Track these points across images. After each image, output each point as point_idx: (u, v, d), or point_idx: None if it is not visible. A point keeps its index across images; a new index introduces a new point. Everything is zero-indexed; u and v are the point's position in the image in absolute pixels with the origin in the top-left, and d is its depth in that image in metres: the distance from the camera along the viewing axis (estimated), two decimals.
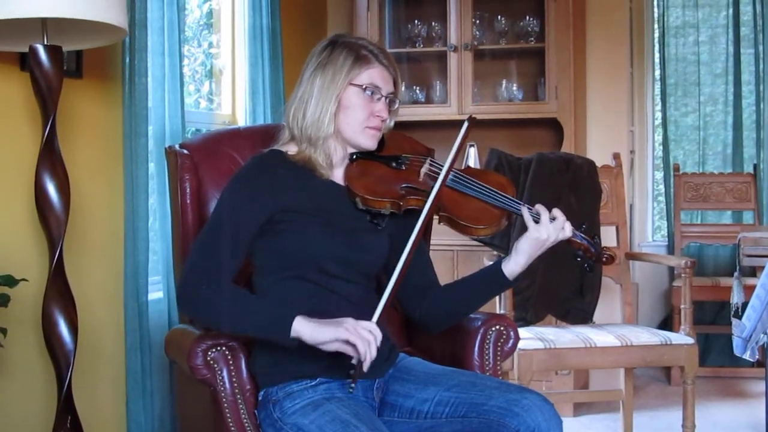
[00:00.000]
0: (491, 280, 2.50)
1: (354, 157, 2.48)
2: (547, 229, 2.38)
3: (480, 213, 2.44)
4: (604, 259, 2.49)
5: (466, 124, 2.47)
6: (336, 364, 2.34)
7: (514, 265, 2.44)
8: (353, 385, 2.21)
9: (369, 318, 2.26)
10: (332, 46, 2.46)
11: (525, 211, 2.40)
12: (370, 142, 2.46)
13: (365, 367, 2.19)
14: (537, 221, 2.39)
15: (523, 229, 2.45)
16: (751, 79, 6.06)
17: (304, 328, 2.20)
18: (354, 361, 2.20)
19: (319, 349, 2.26)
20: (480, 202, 2.46)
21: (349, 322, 2.21)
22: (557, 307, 4.13)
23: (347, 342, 2.18)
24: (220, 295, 2.25)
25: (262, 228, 2.35)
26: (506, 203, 2.44)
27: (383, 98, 2.44)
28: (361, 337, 2.18)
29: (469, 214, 2.44)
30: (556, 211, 2.42)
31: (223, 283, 2.26)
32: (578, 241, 2.45)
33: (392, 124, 2.56)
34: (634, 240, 5.97)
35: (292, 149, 2.46)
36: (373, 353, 2.18)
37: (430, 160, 2.52)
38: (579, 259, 2.49)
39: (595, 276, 4.17)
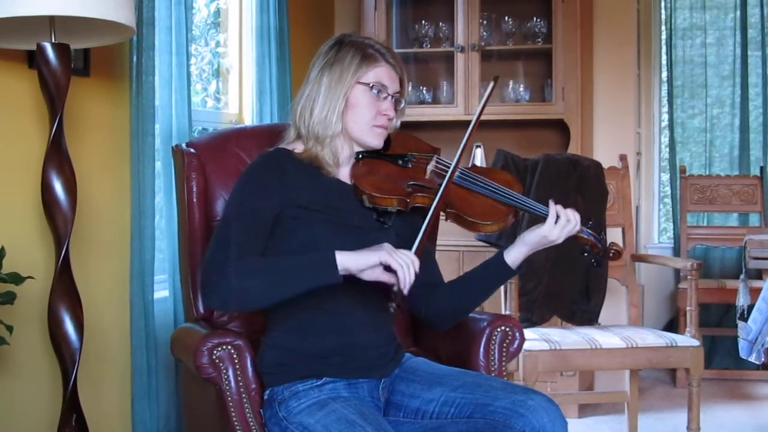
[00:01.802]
0: (494, 271, 2.50)
1: (360, 155, 2.49)
2: (559, 230, 2.39)
3: (487, 209, 2.45)
4: (611, 254, 2.49)
5: (492, 84, 2.48)
6: (341, 364, 2.35)
7: (516, 254, 2.45)
8: (394, 305, 2.20)
9: (379, 320, 2.28)
10: (339, 45, 2.46)
11: (551, 207, 2.41)
12: (376, 141, 2.47)
13: (405, 290, 2.20)
14: (557, 221, 2.40)
15: (530, 226, 2.45)
16: (758, 81, 6.04)
17: (347, 259, 2.22)
18: (395, 288, 2.20)
19: (324, 348, 2.27)
20: (487, 199, 2.46)
21: (387, 246, 2.24)
22: (563, 309, 4.13)
23: (388, 268, 2.20)
24: (248, 270, 2.24)
25: (274, 223, 2.35)
26: (513, 200, 2.45)
27: (390, 97, 2.45)
28: (400, 262, 2.20)
29: (477, 210, 2.44)
30: (561, 210, 2.42)
31: (248, 259, 2.26)
32: (585, 236, 2.46)
33: (398, 123, 2.56)
34: (640, 242, 5.96)
35: (298, 147, 2.47)
36: (412, 277, 2.20)
37: (437, 158, 2.53)
38: (586, 254, 2.49)
39: (601, 278, 4.17)
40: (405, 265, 2.19)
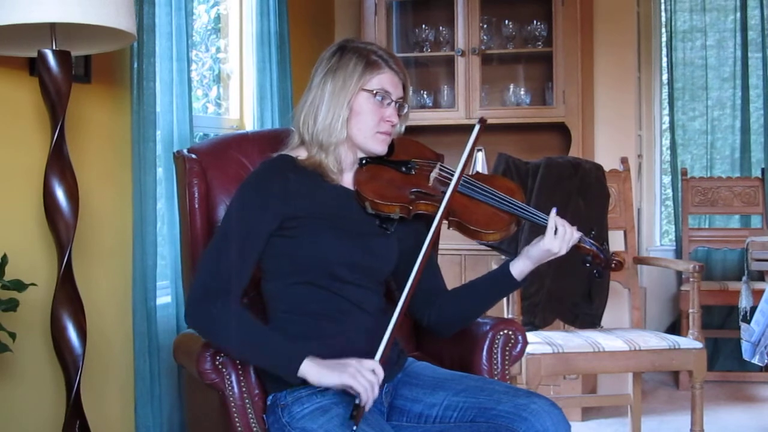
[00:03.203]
0: (500, 282, 2.51)
1: (363, 161, 2.49)
2: (561, 242, 2.40)
3: (490, 218, 2.45)
4: (613, 265, 2.49)
5: (477, 127, 2.47)
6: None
7: (522, 267, 2.47)
8: (356, 425, 2.20)
9: (381, 326, 2.28)
10: (342, 52, 2.46)
11: (551, 219, 2.42)
12: (380, 147, 2.47)
13: (367, 408, 2.21)
14: (556, 233, 2.41)
15: (532, 233, 2.46)
16: (759, 83, 6.04)
17: (311, 371, 2.24)
18: (357, 401, 2.21)
19: (327, 353, 2.28)
20: (490, 208, 2.47)
21: (353, 365, 2.23)
22: (565, 312, 4.13)
23: (351, 387, 2.21)
24: (230, 320, 2.26)
25: (272, 234, 2.35)
26: (516, 208, 2.45)
27: (393, 103, 2.45)
28: (363, 383, 2.20)
29: (479, 219, 2.44)
30: (559, 222, 2.43)
31: (234, 305, 2.28)
32: (587, 247, 2.46)
33: (402, 129, 2.56)
34: (641, 244, 5.96)
35: (302, 154, 2.47)
36: (375, 394, 2.21)
37: (440, 165, 2.52)
38: (588, 265, 2.49)
39: (603, 281, 4.17)
40: (367, 388, 2.20)
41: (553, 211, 2.44)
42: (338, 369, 2.23)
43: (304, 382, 2.27)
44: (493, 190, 2.48)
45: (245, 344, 2.28)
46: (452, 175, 2.43)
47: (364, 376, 2.21)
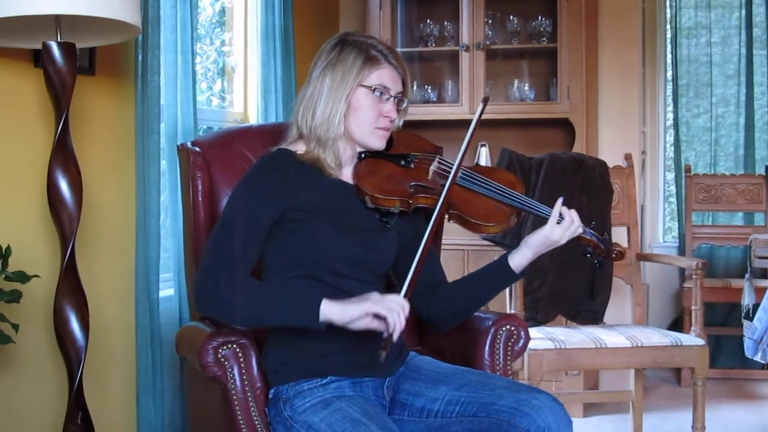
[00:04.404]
0: (498, 274, 2.51)
1: (363, 155, 2.49)
2: (561, 230, 2.40)
3: (490, 211, 2.45)
4: (613, 255, 2.50)
5: (481, 106, 2.46)
6: (346, 362, 2.35)
7: (521, 258, 2.46)
8: (384, 353, 2.18)
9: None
10: (341, 45, 2.45)
11: (557, 206, 2.42)
12: (378, 143, 2.47)
13: (395, 337, 2.19)
14: (559, 222, 2.40)
15: (534, 228, 2.46)
16: (763, 80, 6.04)
17: (332, 310, 2.22)
18: (384, 334, 2.20)
19: (330, 347, 2.27)
20: (490, 200, 2.46)
21: (375, 296, 2.23)
22: (568, 308, 4.13)
23: (376, 315, 2.19)
24: (240, 289, 2.26)
25: (272, 226, 2.35)
26: (516, 200, 2.45)
27: (392, 98, 2.44)
28: (389, 308, 2.18)
29: (480, 212, 2.44)
30: (573, 213, 2.42)
31: (242, 278, 2.27)
32: (588, 237, 2.46)
33: (401, 123, 2.56)
34: (645, 241, 5.95)
35: (300, 148, 2.46)
36: (402, 323, 2.19)
37: (439, 158, 2.52)
38: (589, 255, 2.49)
39: (606, 276, 4.17)
40: (394, 311, 2.19)
41: (560, 200, 2.44)
42: (360, 300, 2.23)
43: (310, 370, 2.26)
44: (493, 183, 2.48)
45: (260, 308, 2.27)
46: (452, 168, 2.43)
47: (389, 303, 2.20)
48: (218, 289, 2.25)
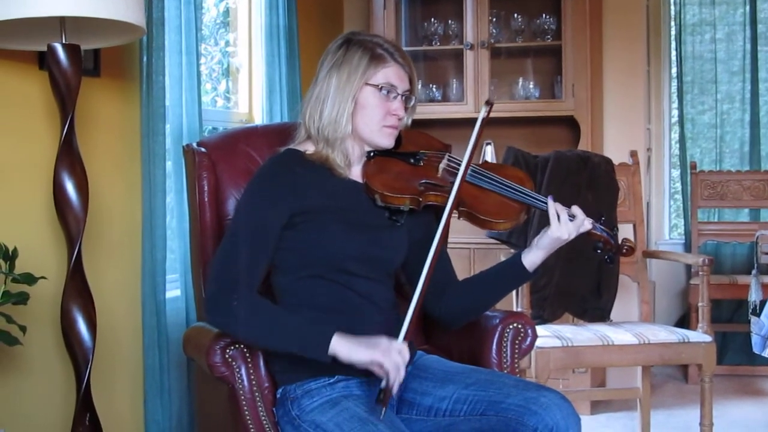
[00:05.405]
0: (511, 273, 2.51)
1: (372, 154, 2.49)
2: (567, 227, 2.39)
3: (500, 207, 2.45)
4: (624, 250, 2.49)
5: (484, 109, 2.46)
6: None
7: (534, 257, 2.46)
8: (384, 408, 2.20)
9: (391, 319, 2.28)
10: (347, 45, 2.46)
11: (551, 206, 2.41)
12: (387, 141, 2.46)
13: (393, 391, 2.20)
14: (559, 219, 2.40)
15: (541, 225, 2.46)
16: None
17: (341, 347, 2.23)
18: (383, 385, 2.21)
19: None
20: (499, 197, 2.46)
21: (383, 344, 2.23)
22: (574, 306, 4.13)
23: (380, 366, 2.20)
24: (252, 310, 2.26)
25: (283, 228, 2.35)
26: (525, 197, 2.45)
27: (399, 96, 2.44)
28: (395, 364, 2.19)
29: (489, 208, 2.44)
30: (575, 209, 2.42)
31: (254, 297, 2.28)
32: (598, 233, 2.46)
33: (410, 121, 2.56)
34: (651, 238, 5.95)
35: (309, 148, 2.47)
36: (402, 377, 2.21)
37: (448, 156, 2.52)
38: (599, 251, 2.49)
39: (612, 274, 4.17)
40: (396, 369, 2.20)
41: (550, 198, 2.44)
42: (369, 346, 2.23)
43: (318, 369, 2.27)
44: (502, 179, 2.47)
45: (271, 333, 2.28)
46: (461, 165, 2.43)
47: (394, 356, 2.20)
48: (230, 308, 2.25)
